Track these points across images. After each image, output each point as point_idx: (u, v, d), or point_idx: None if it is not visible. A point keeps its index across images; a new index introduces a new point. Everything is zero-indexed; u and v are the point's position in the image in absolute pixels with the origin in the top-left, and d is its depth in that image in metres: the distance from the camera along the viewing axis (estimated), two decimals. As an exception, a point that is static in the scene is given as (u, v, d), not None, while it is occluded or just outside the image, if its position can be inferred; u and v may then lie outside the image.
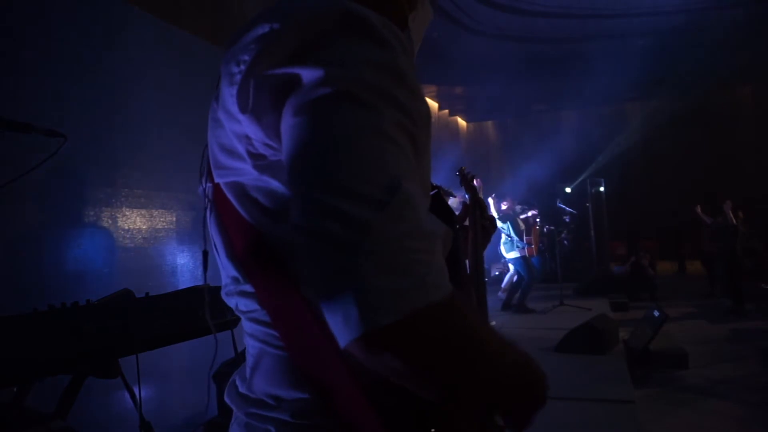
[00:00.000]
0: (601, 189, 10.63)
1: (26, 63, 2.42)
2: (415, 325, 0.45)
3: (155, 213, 3.16)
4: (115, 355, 1.67)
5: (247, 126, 0.55)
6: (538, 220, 8.86)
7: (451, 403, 0.51)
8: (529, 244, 7.66)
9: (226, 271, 0.66)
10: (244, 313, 0.65)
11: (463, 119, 13.41)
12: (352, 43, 0.51)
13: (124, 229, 2.93)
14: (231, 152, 0.60)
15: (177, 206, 3.33)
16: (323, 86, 0.48)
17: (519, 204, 8.55)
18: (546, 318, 6.77)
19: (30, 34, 2.44)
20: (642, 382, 4.21)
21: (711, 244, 8.04)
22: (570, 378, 3.95)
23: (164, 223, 3.23)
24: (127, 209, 2.96)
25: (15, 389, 1.55)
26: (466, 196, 2.11)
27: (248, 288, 0.62)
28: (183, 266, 3.34)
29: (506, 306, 7.47)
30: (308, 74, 0.49)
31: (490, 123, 14.74)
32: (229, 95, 0.55)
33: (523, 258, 7.45)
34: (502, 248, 7.65)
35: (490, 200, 7.76)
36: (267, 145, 0.55)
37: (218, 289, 0.69)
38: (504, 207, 7.84)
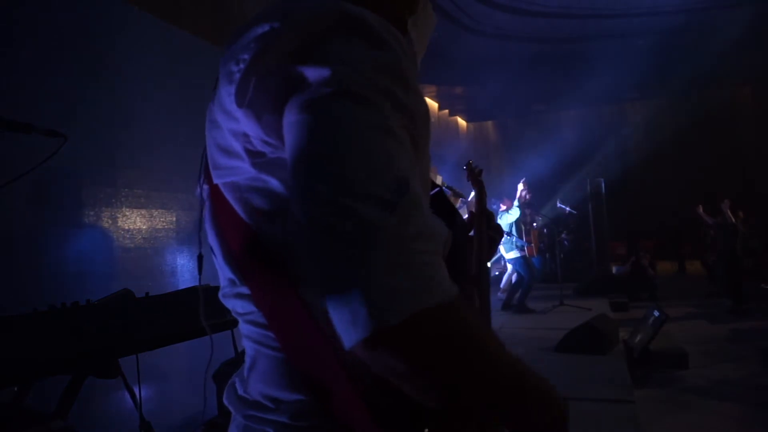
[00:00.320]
0: (601, 189, 10.63)
1: (26, 63, 2.42)
2: (422, 325, 0.45)
3: (155, 213, 3.16)
4: (115, 355, 1.67)
5: (244, 123, 0.55)
6: (536, 223, 8.85)
7: (451, 406, 0.51)
8: (528, 243, 7.66)
9: (223, 273, 0.66)
10: (241, 315, 0.65)
11: (463, 119, 13.41)
12: (352, 44, 0.51)
13: (124, 229, 2.93)
14: (229, 152, 0.60)
15: (177, 206, 3.33)
16: (327, 85, 0.48)
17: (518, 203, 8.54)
18: (546, 318, 6.77)
19: (30, 34, 2.44)
20: (642, 382, 4.21)
21: (714, 244, 8.04)
22: (570, 378, 3.95)
23: (164, 223, 3.23)
24: (127, 209, 2.96)
25: (15, 389, 1.55)
26: (472, 192, 2.11)
27: (244, 290, 0.62)
28: (183, 266, 3.34)
29: (506, 306, 7.47)
30: (311, 73, 0.49)
31: (490, 123, 14.75)
32: (227, 94, 0.55)
33: (523, 258, 7.44)
34: (502, 248, 7.63)
35: (520, 186, 7.70)
36: (265, 142, 0.55)
37: (215, 289, 0.69)
38: (503, 207, 7.84)
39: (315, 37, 0.51)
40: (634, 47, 8.67)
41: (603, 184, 10.65)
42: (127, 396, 1.97)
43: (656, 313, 4.68)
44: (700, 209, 8.01)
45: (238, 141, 0.58)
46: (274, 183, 0.58)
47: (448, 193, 2.76)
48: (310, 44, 0.51)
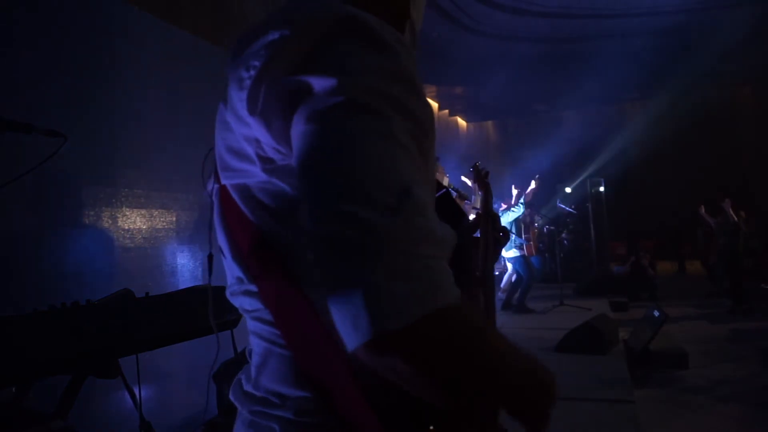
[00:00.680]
0: (601, 189, 10.63)
1: (26, 63, 2.42)
2: (424, 330, 0.45)
3: (155, 213, 3.16)
4: (115, 355, 1.67)
5: (256, 129, 0.56)
6: (537, 224, 8.83)
7: (455, 406, 0.51)
8: (528, 241, 7.65)
9: (231, 271, 0.67)
10: (248, 312, 0.66)
11: (463, 119, 13.41)
12: (358, 50, 0.52)
13: (124, 229, 2.93)
14: (239, 154, 0.61)
15: (177, 206, 3.33)
16: (334, 95, 0.50)
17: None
18: (546, 318, 6.77)
19: (30, 34, 2.44)
20: (642, 382, 4.21)
21: (712, 245, 8.03)
22: (570, 378, 3.95)
23: (164, 223, 3.23)
24: (127, 209, 2.96)
25: (15, 389, 1.55)
26: (479, 192, 2.11)
27: (252, 288, 0.63)
28: (183, 266, 3.34)
29: (506, 306, 7.47)
30: (319, 82, 0.51)
31: (490, 123, 14.74)
32: (238, 99, 0.56)
33: (522, 257, 7.44)
34: None
35: (533, 183, 7.64)
36: (276, 149, 0.57)
37: (221, 289, 0.69)
38: (503, 207, 7.83)
39: (322, 45, 0.52)
40: (634, 47, 8.66)
41: (603, 184, 10.65)
42: (127, 396, 1.97)
43: (656, 313, 4.68)
44: (702, 210, 8.00)
45: (251, 146, 0.59)
46: (283, 187, 0.59)
47: (453, 194, 2.76)
48: (317, 52, 0.52)
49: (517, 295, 7.42)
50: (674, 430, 3.40)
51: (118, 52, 2.93)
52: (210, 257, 0.73)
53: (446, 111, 12.26)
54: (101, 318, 1.58)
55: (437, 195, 0.70)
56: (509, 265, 7.96)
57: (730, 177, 11.70)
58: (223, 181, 0.64)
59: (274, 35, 0.54)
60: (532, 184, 7.54)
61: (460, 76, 9.89)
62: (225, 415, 2.32)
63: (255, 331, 0.66)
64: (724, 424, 3.44)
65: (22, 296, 2.21)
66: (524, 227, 7.75)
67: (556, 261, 8.58)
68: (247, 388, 0.66)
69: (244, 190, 0.62)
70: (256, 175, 0.60)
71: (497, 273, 9.85)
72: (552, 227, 9.74)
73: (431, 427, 0.57)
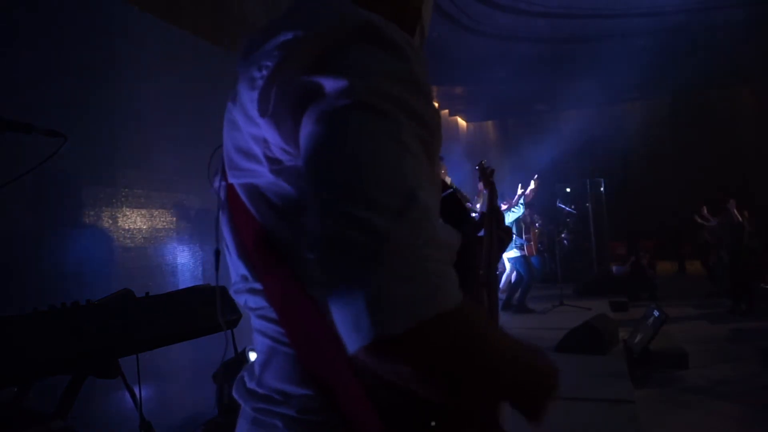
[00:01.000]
0: (601, 189, 10.63)
1: (26, 63, 2.42)
2: (425, 334, 0.45)
3: (155, 213, 3.16)
4: (115, 355, 1.67)
5: (265, 130, 0.57)
6: (537, 224, 8.82)
7: (456, 405, 0.52)
8: (528, 241, 7.65)
9: (236, 269, 0.67)
10: (253, 310, 0.67)
11: (463, 119, 13.41)
12: (370, 53, 0.52)
13: (124, 229, 2.93)
14: (247, 154, 0.61)
15: (177, 206, 3.33)
16: (344, 96, 0.50)
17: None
18: (546, 318, 6.77)
19: (30, 34, 2.44)
20: (642, 382, 4.21)
21: (711, 245, 8.03)
22: (570, 378, 3.94)
23: (164, 223, 3.23)
24: (127, 209, 2.96)
25: (15, 389, 1.55)
26: (484, 191, 2.11)
27: (257, 286, 0.64)
28: (183, 266, 3.34)
29: (506, 306, 7.46)
30: (329, 84, 0.51)
31: (490, 123, 14.74)
32: (249, 99, 0.57)
33: (523, 257, 7.44)
34: None
35: (532, 183, 7.62)
36: (284, 150, 0.57)
37: (222, 288, 0.70)
38: (504, 206, 7.83)
39: (334, 47, 0.52)
40: (634, 47, 8.66)
41: (603, 184, 10.65)
42: (127, 396, 1.97)
43: (656, 313, 4.68)
44: (705, 210, 7.99)
45: (258, 146, 0.59)
46: (289, 189, 0.59)
47: None
48: (329, 54, 0.52)
49: (517, 295, 7.42)
50: (674, 430, 3.40)
51: (118, 52, 2.93)
52: (217, 253, 0.74)
53: (446, 111, 12.26)
54: (101, 318, 1.58)
55: (443, 195, 0.71)
56: (509, 265, 7.96)
57: (730, 177, 11.70)
58: (231, 180, 0.65)
59: (287, 35, 0.54)
60: (532, 184, 7.53)
61: (460, 76, 9.89)
62: (225, 415, 2.32)
63: (259, 329, 0.66)
64: (724, 424, 3.44)
65: (22, 296, 2.21)
66: (524, 227, 7.75)
67: (555, 261, 8.58)
68: (251, 385, 0.66)
69: (251, 190, 0.62)
70: (263, 176, 0.60)
71: (497, 273, 9.82)
72: (552, 227, 9.74)
73: (433, 424, 0.58)
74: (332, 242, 0.46)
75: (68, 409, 1.67)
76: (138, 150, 3.03)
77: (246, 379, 0.68)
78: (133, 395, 1.95)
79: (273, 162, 0.59)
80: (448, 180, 5.51)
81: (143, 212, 3.07)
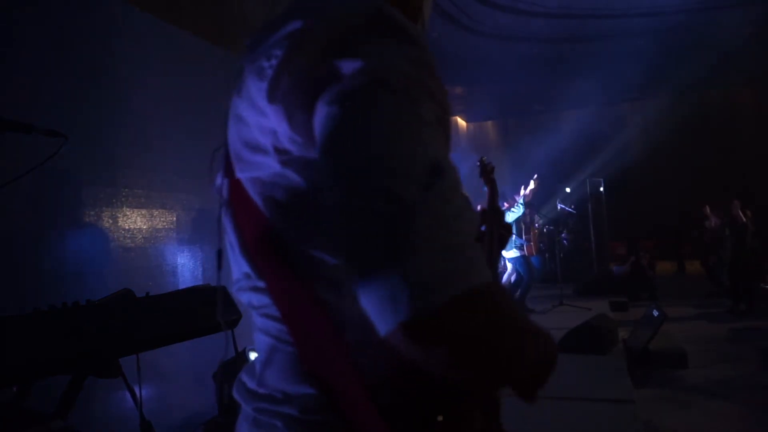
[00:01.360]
0: (601, 189, 10.63)
1: (26, 63, 2.42)
2: (463, 308, 0.44)
3: (155, 213, 3.16)
4: (115, 355, 1.67)
5: (274, 120, 0.56)
6: (537, 224, 8.82)
7: (483, 386, 0.51)
8: (528, 241, 7.65)
9: (239, 266, 0.66)
10: (256, 308, 0.66)
11: (463, 119, 13.41)
12: (385, 40, 0.52)
13: (124, 229, 2.93)
14: (255, 147, 0.60)
15: (177, 206, 3.33)
16: (361, 74, 0.49)
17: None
18: (546, 318, 6.77)
19: (30, 34, 2.44)
20: (642, 382, 4.21)
21: (712, 245, 8.02)
22: (570, 378, 3.95)
23: (164, 223, 3.23)
24: (128, 209, 2.96)
25: (15, 389, 1.55)
26: (484, 188, 2.09)
27: (261, 284, 0.63)
28: (183, 266, 3.34)
29: (506, 306, 7.45)
30: (345, 66, 0.50)
31: (490, 123, 14.74)
32: (256, 89, 0.56)
33: (523, 257, 7.44)
34: None
35: (532, 183, 7.61)
36: (293, 140, 0.56)
37: (222, 288, 0.69)
38: (504, 207, 7.83)
39: (347, 34, 0.52)
40: (634, 47, 8.66)
41: (603, 184, 10.66)
42: (128, 396, 1.97)
43: (655, 313, 4.68)
44: (707, 210, 7.98)
45: (266, 137, 0.58)
46: (297, 180, 0.58)
47: None
48: (343, 40, 0.51)
49: (517, 295, 7.42)
50: (674, 430, 3.41)
51: (118, 52, 2.93)
52: (219, 252, 0.73)
53: (446, 111, 12.24)
54: (101, 318, 1.58)
55: None
56: (509, 265, 7.96)
57: (730, 177, 11.70)
58: (238, 174, 0.64)
59: (296, 25, 0.54)
60: (532, 184, 7.53)
61: (460, 76, 9.89)
62: (225, 415, 2.32)
63: (261, 328, 0.66)
64: (724, 424, 3.44)
65: (22, 296, 2.22)
66: (524, 227, 7.75)
67: (556, 261, 8.58)
68: (251, 385, 0.66)
69: (258, 184, 0.61)
70: (270, 168, 0.59)
71: (498, 272, 9.85)
72: (552, 227, 9.74)
73: (440, 418, 0.57)
74: (359, 216, 0.45)
75: (68, 409, 1.67)
76: (138, 150, 3.03)
77: (245, 379, 0.67)
78: (133, 395, 1.95)
79: (281, 153, 0.58)
80: None
81: (143, 212, 3.07)
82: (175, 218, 3.30)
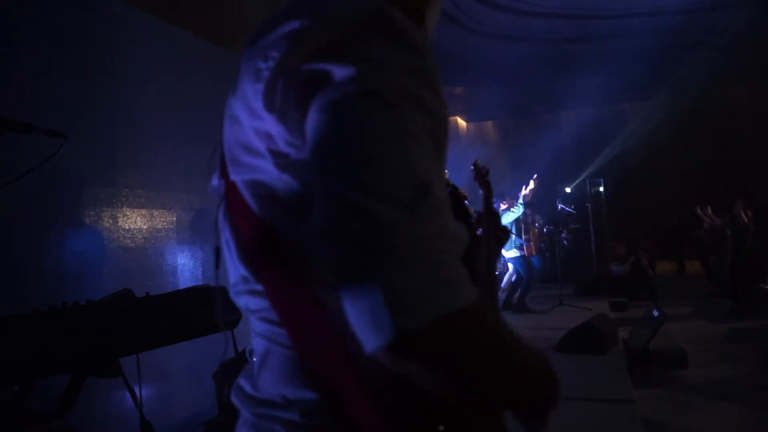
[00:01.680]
0: (601, 189, 10.63)
1: (26, 63, 2.42)
2: (447, 329, 0.44)
3: (155, 213, 3.16)
4: (115, 354, 1.67)
5: (269, 123, 0.55)
6: (537, 224, 8.82)
7: (469, 403, 0.51)
8: (527, 241, 7.65)
9: (236, 269, 0.65)
10: (254, 312, 0.64)
11: (463, 119, 13.41)
12: (382, 44, 0.51)
13: (124, 229, 2.93)
14: (250, 150, 0.59)
15: (177, 206, 3.33)
16: (353, 84, 0.48)
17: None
18: (546, 318, 6.77)
19: (30, 34, 2.44)
20: (642, 382, 4.21)
21: (712, 245, 8.02)
22: (570, 378, 3.95)
23: (164, 223, 3.23)
24: (128, 209, 2.96)
25: (15, 389, 1.55)
26: (479, 192, 2.10)
27: (258, 287, 0.62)
28: (183, 266, 3.34)
29: (506, 305, 7.47)
30: (339, 71, 0.49)
31: (490, 123, 14.74)
32: (253, 92, 0.55)
33: (522, 257, 7.44)
34: None
35: (532, 183, 7.59)
36: (290, 143, 0.55)
37: (222, 288, 0.68)
38: (504, 206, 7.82)
39: (344, 36, 0.51)
40: (634, 47, 8.66)
41: (603, 184, 10.65)
42: (128, 396, 1.97)
43: (655, 313, 4.68)
44: (708, 210, 7.98)
45: (262, 140, 0.57)
46: (294, 184, 0.57)
47: None
48: (338, 42, 0.50)
49: (516, 294, 7.42)
50: (674, 430, 3.40)
51: (118, 52, 2.93)
52: (217, 251, 0.72)
53: (446, 111, 12.24)
54: (101, 318, 1.58)
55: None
56: (509, 265, 7.96)
57: (730, 177, 11.70)
58: (233, 177, 0.62)
59: (294, 24, 0.53)
60: (531, 184, 7.52)
61: (460, 76, 9.89)
62: (225, 415, 2.32)
63: (260, 332, 0.64)
64: (724, 424, 3.44)
65: (22, 296, 2.22)
66: (524, 227, 7.75)
67: (556, 261, 8.58)
68: (250, 389, 0.64)
69: (254, 186, 0.60)
70: (267, 171, 0.58)
71: (497, 273, 9.84)
72: (552, 227, 9.74)
73: (441, 429, 0.57)
74: (341, 236, 0.45)
75: (68, 409, 1.67)
76: (138, 150, 3.03)
77: (243, 384, 0.66)
78: (133, 395, 1.95)
79: (278, 156, 0.56)
80: (446, 175, 5.51)
81: (143, 212, 3.07)
82: (175, 218, 3.30)
